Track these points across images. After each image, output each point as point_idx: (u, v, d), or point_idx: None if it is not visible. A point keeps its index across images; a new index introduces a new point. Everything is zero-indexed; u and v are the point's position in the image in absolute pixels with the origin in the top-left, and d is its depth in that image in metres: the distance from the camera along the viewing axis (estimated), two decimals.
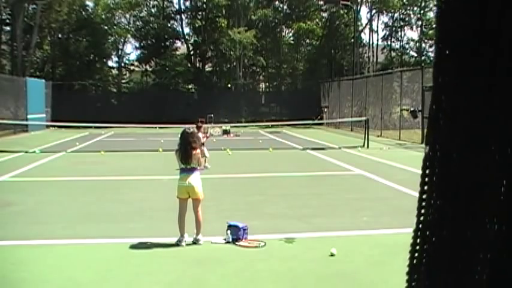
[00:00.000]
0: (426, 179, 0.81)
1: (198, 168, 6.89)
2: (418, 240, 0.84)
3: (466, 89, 0.77)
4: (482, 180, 0.77)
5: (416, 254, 0.85)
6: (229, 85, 36.06)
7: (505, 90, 0.75)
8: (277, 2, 42.21)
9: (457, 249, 0.81)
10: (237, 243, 6.52)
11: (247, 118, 34.49)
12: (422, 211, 0.82)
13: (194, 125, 12.51)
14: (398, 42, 45.01)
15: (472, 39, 0.76)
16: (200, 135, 13.80)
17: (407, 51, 45.03)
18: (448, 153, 0.79)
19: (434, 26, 0.86)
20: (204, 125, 13.15)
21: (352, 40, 37.29)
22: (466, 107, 0.77)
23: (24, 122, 27.15)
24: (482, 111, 0.76)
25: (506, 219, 0.77)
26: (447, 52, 0.79)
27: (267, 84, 45.59)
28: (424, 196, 0.81)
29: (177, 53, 41.33)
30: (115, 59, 42.04)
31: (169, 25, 41.33)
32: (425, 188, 0.81)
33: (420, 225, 0.83)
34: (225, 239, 6.62)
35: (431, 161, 0.80)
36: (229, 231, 6.66)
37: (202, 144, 13.52)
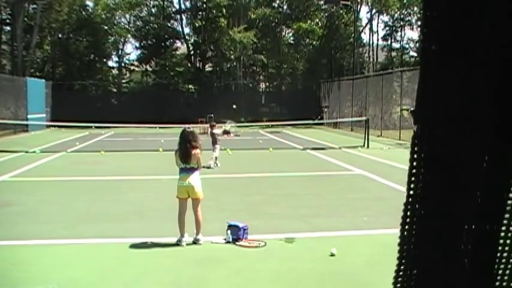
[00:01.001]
0: (415, 156, 0.84)
1: (199, 168, 6.88)
2: (408, 213, 0.90)
3: (449, 71, 0.81)
4: (465, 156, 0.81)
5: (406, 227, 0.93)
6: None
7: (485, 71, 0.79)
8: (277, 2, 42.19)
9: (444, 220, 0.86)
10: (237, 243, 6.52)
11: (247, 118, 34.47)
12: (412, 186, 0.86)
13: (208, 125, 13.09)
14: (398, 42, 45.05)
15: (456, 25, 0.79)
16: (216, 131, 14.26)
17: (407, 51, 45.04)
18: (434, 131, 0.82)
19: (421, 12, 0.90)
20: (221, 125, 13.70)
21: (352, 40, 37.26)
22: (449, 87, 0.81)
23: (25, 122, 27.16)
24: (464, 91, 0.80)
25: (487, 191, 0.81)
26: (432, 36, 0.83)
27: (267, 84, 45.59)
28: (413, 171, 0.84)
29: (177, 53, 41.33)
30: (115, 59, 42.10)
31: (169, 25, 41.32)
32: (414, 164, 0.84)
33: (410, 199, 0.88)
34: (225, 239, 6.62)
35: (419, 139, 0.83)
36: (229, 231, 6.66)
37: (215, 142, 13.69)
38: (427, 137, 0.83)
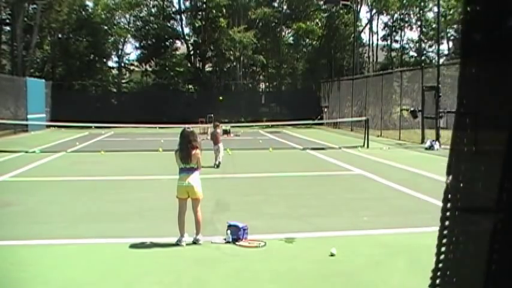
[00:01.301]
0: (448, 214, 0.75)
1: (199, 168, 6.86)
2: (438, 281, 0.78)
3: (489, 116, 0.73)
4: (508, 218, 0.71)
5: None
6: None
7: None
8: (277, 2, 42.18)
9: (477, 285, 0.76)
10: (237, 243, 6.52)
11: (247, 118, 34.47)
12: (443, 249, 0.76)
13: (210, 125, 13.44)
14: (398, 42, 45.05)
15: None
16: (218, 131, 14.29)
17: (407, 51, 45.05)
18: (472, 182, 0.73)
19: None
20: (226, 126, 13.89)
21: (352, 40, 37.28)
22: (489, 130, 0.72)
23: (24, 122, 27.16)
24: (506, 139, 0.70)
25: None
26: (472, 71, 0.74)
27: (267, 84, 45.59)
28: (445, 232, 0.76)
29: (177, 53, 41.32)
30: (115, 59, 42.11)
31: (169, 25, 41.31)
32: (447, 223, 0.75)
33: (440, 264, 0.77)
34: (225, 239, 6.62)
35: (453, 192, 0.73)
36: (229, 231, 6.66)
37: (217, 142, 13.76)
38: (463, 189, 0.73)
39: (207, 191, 10.37)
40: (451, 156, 0.76)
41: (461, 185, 0.74)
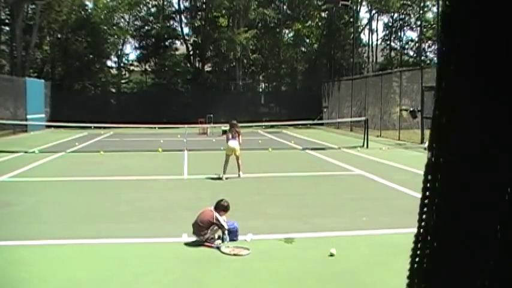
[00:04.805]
0: (428, 184, 0.80)
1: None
2: (419, 245, 0.84)
3: (470, 94, 0.76)
4: (485, 186, 0.76)
5: (417, 259, 0.85)
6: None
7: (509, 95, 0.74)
8: (277, 2, 42.17)
9: (458, 253, 0.81)
10: (221, 249, 6.36)
11: (246, 118, 34.45)
12: (424, 216, 0.81)
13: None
14: (398, 42, 45.05)
15: (475, 43, 0.75)
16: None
17: (407, 51, 45.07)
18: (451, 158, 0.78)
19: (439, 31, 0.86)
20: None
21: (351, 40, 37.29)
22: (469, 111, 0.76)
23: (24, 122, 27.14)
24: (484, 116, 0.75)
25: (508, 223, 0.76)
26: (450, 56, 0.78)
27: (267, 84, 45.59)
28: (426, 201, 0.81)
29: (177, 53, 41.31)
30: (114, 59, 42.03)
31: (168, 25, 41.29)
32: (427, 193, 0.80)
33: (421, 230, 0.82)
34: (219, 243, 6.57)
35: (434, 166, 0.79)
36: (226, 233, 6.67)
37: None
38: (443, 164, 0.78)
39: (206, 191, 10.41)
40: (431, 136, 0.80)
41: (440, 160, 0.77)
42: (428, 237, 0.83)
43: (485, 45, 0.75)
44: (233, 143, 12.25)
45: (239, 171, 12.18)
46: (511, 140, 0.74)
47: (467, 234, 0.80)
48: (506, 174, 0.76)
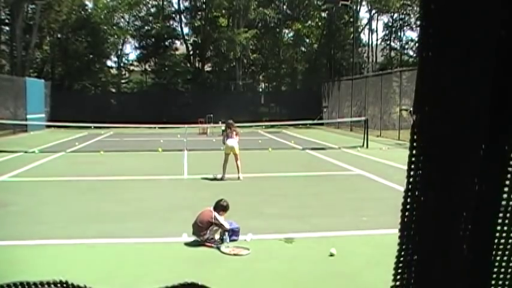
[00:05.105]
0: (414, 144, 0.86)
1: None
2: (408, 200, 0.93)
3: (447, 62, 0.83)
4: (464, 144, 0.84)
5: (406, 213, 0.95)
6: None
7: (481, 62, 0.81)
8: (277, 2, 42.17)
9: (443, 208, 0.89)
10: (220, 249, 6.37)
11: (246, 118, 34.45)
12: (411, 173, 0.89)
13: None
14: (398, 42, 45.07)
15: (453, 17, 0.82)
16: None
17: (407, 51, 45.09)
18: (433, 119, 0.85)
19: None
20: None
21: (350, 40, 37.31)
22: (447, 79, 0.83)
23: (24, 122, 27.14)
24: (463, 76, 0.82)
25: (485, 179, 0.84)
26: (429, 29, 0.85)
27: (267, 84, 45.59)
28: (412, 159, 0.87)
29: (177, 53, 41.31)
30: (114, 59, 42.04)
31: (168, 25, 41.30)
32: (414, 152, 0.86)
33: (409, 186, 0.91)
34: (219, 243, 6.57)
35: (419, 126, 0.85)
36: (226, 234, 6.67)
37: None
38: (426, 124, 0.85)
39: (206, 191, 10.40)
40: (416, 99, 0.87)
41: (424, 123, 0.86)
42: (416, 193, 0.92)
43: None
44: (232, 142, 12.14)
45: (239, 173, 11.96)
46: (483, 99, 0.82)
47: (447, 190, 0.89)
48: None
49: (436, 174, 0.88)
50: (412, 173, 0.88)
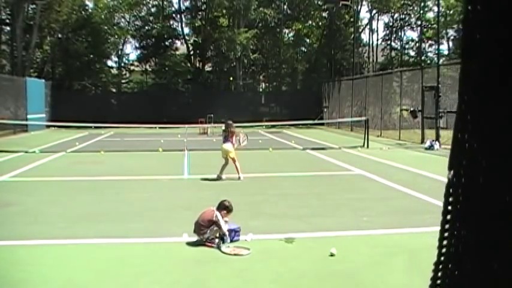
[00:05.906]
0: (449, 207, 0.74)
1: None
2: (440, 274, 0.78)
3: (495, 109, 0.70)
4: (509, 208, 0.70)
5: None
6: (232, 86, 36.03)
7: None
8: (277, 2, 42.17)
9: (481, 284, 0.75)
10: (221, 249, 6.36)
11: (247, 118, 34.43)
12: (445, 242, 0.75)
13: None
14: (398, 42, 45.04)
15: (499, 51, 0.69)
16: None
17: (407, 51, 45.06)
18: (474, 177, 0.71)
19: (460, 37, 0.79)
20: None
21: (351, 40, 37.29)
22: (495, 128, 0.70)
23: (24, 122, 27.15)
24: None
25: None
26: (473, 67, 0.72)
27: (267, 84, 45.58)
28: (446, 226, 0.75)
29: (177, 52, 41.31)
30: (115, 59, 42.06)
31: (169, 25, 41.30)
32: (448, 217, 0.74)
33: (442, 258, 0.77)
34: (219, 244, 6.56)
35: (455, 187, 0.72)
36: (226, 235, 6.67)
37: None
38: (464, 185, 0.72)
39: (207, 191, 10.40)
40: (452, 151, 0.75)
41: (463, 180, 0.72)
42: (450, 265, 0.77)
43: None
44: (225, 146, 12.05)
45: (239, 174, 11.91)
46: None
47: (488, 262, 0.74)
48: None
49: (474, 242, 0.73)
50: (445, 242, 0.75)
